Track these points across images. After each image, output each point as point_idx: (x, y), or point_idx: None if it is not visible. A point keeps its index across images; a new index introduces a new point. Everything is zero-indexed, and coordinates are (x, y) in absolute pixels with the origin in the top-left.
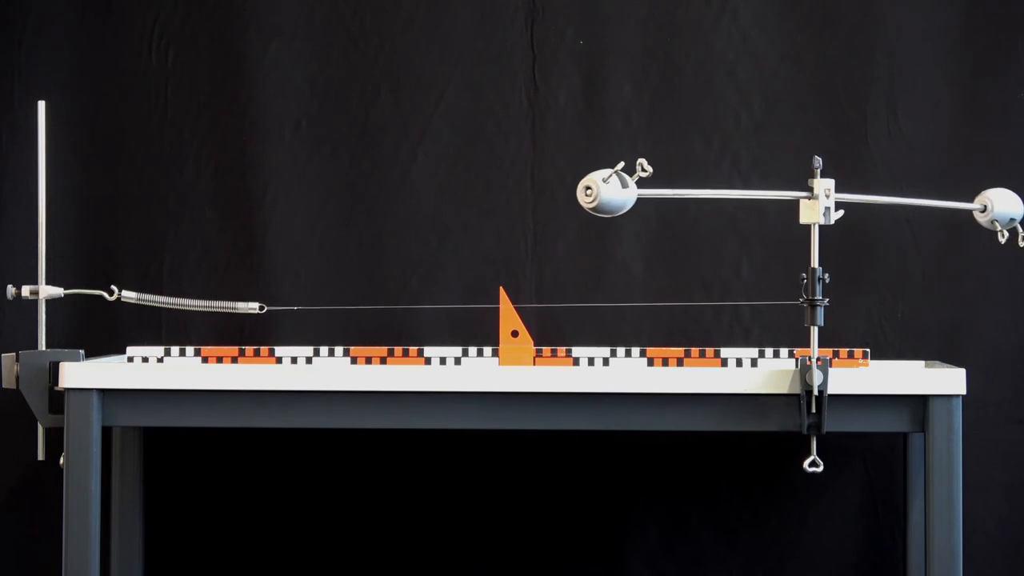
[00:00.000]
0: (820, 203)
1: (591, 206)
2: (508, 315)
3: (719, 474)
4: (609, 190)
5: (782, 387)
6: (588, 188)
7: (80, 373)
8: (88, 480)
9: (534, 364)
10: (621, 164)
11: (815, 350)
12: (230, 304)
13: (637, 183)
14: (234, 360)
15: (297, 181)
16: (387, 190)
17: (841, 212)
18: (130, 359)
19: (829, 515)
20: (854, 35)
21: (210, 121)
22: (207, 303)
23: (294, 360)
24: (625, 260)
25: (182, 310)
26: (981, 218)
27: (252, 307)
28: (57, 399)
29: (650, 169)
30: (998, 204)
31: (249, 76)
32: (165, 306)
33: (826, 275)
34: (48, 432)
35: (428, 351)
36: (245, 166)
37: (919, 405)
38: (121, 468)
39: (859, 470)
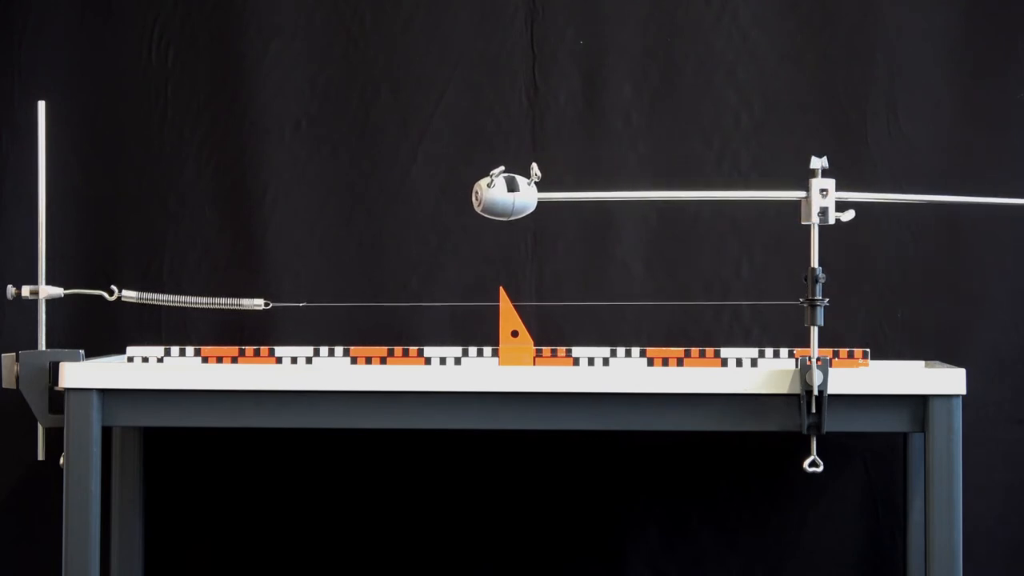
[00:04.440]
0: (816, 202)
1: (478, 208)
2: (508, 315)
3: (719, 474)
4: (493, 193)
5: (782, 387)
6: (476, 192)
7: (80, 373)
8: (88, 480)
9: (534, 364)
10: (501, 168)
11: (815, 350)
12: (235, 300)
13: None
14: (234, 360)
15: (297, 181)
16: (387, 190)
17: (852, 213)
18: (130, 359)
19: (829, 515)
20: (854, 35)
21: (210, 121)
22: (211, 300)
23: (294, 360)
24: (625, 260)
25: (181, 309)
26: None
27: (257, 303)
28: (57, 399)
29: (540, 174)
30: None
31: (249, 76)
32: (172, 304)
33: (821, 275)
34: (48, 432)
35: (428, 351)
36: (245, 166)
37: (919, 405)
38: (121, 468)
39: (859, 470)
